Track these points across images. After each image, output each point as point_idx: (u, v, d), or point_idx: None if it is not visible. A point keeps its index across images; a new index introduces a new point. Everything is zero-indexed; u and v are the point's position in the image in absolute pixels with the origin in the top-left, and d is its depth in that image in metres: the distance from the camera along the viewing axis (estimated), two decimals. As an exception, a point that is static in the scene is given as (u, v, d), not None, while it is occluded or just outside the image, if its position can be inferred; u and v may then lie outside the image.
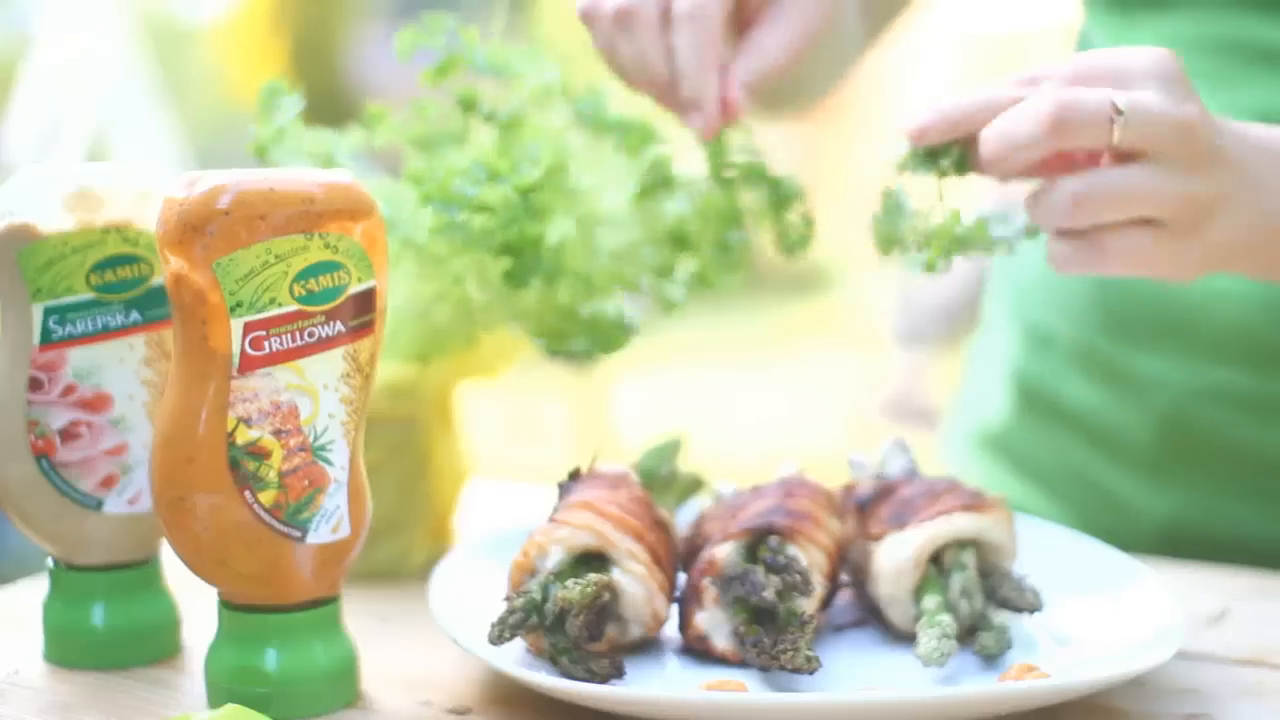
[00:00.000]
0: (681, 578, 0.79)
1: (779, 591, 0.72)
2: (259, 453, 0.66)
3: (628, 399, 4.14)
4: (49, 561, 0.77)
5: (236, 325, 0.65)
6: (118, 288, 0.74)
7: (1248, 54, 0.95)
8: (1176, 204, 0.73)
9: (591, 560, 0.73)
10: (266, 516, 0.67)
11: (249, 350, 0.66)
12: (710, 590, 0.74)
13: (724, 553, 0.74)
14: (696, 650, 0.74)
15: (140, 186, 0.75)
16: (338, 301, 0.67)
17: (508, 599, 0.71)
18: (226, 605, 0.69)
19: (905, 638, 0.76)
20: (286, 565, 0.67)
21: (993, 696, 0.65)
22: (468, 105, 0.88)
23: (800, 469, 0.84)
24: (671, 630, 0.76)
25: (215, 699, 0.69)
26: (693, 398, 4.67)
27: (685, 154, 0.90)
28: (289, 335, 0.66)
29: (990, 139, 0.75)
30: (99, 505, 0.75)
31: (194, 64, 5.63)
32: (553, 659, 0.70)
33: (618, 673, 0.70)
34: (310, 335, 0.66)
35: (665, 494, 0.86)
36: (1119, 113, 0.72)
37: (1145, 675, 0.72)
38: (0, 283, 0.73)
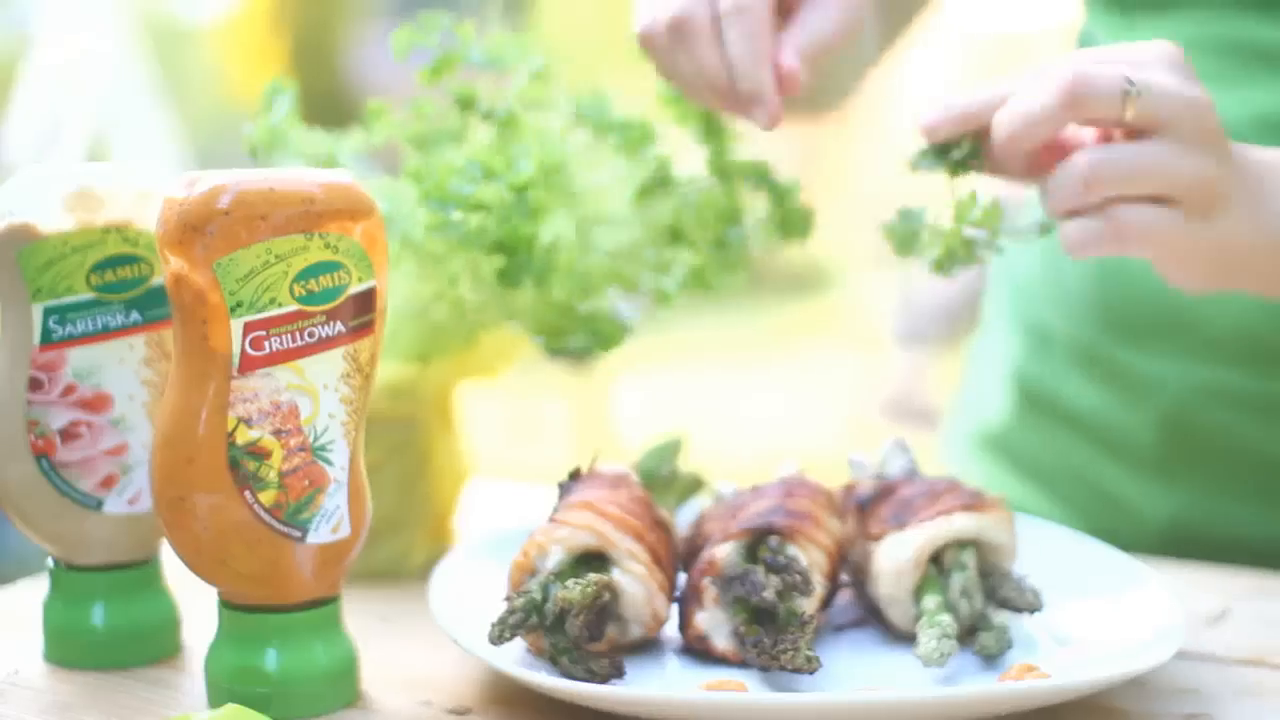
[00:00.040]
0: (681, 578, 0.79)
1: (779, 591, 0.72)
2: (259, 453, 0.66)
3: (628, 399, 4.14)
4: (49, 561, 0.77)
5: (236, 325, 0.65)
6: (118, 288, 0.74)
7: (1248, 55, 0.95)
8: (1189, 181, 0.73)
9: (591, 560, 0.73)
10: (266, 516, 0.67)
11: (249, 350, 0.66)
12: (710, 590, 0.74)
13: (724, 553, 0.74)
14: (696, 650, 0.74)
15: (140, 186, 0.75)
16: (338, 301, 0.67)
17: (508, 599, 0.71)
18: (226, 605, 0.69)
19: (905, 638, 0.76)
20: (286, 565, 0.67)
21: (993, 696, 0.65)
22: (465, 103, 0.88)
23: (800, 469, 0.84)
24: (671, 630, 0.76)
25: (215, 699, 0.69)
26: (693, 398, 4.67)
27: (685, 154, 0.90)
28: (289, 335, 0.66)
29: (1004, 117, 0.76)
30: (99, 505, 0.75)
31: (194, 64, 5.63)
32: (553, 659, 0.70)
33: (618, 673, 0.70)
34: (310, 335, 0.66)
35: (665, 494, 0.86)
36: (1132, 86, 0.73)
37: (1145, 675, 0.72)
38: (0, 283, 0.73)
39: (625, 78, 0.94)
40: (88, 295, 0.74)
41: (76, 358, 0.74)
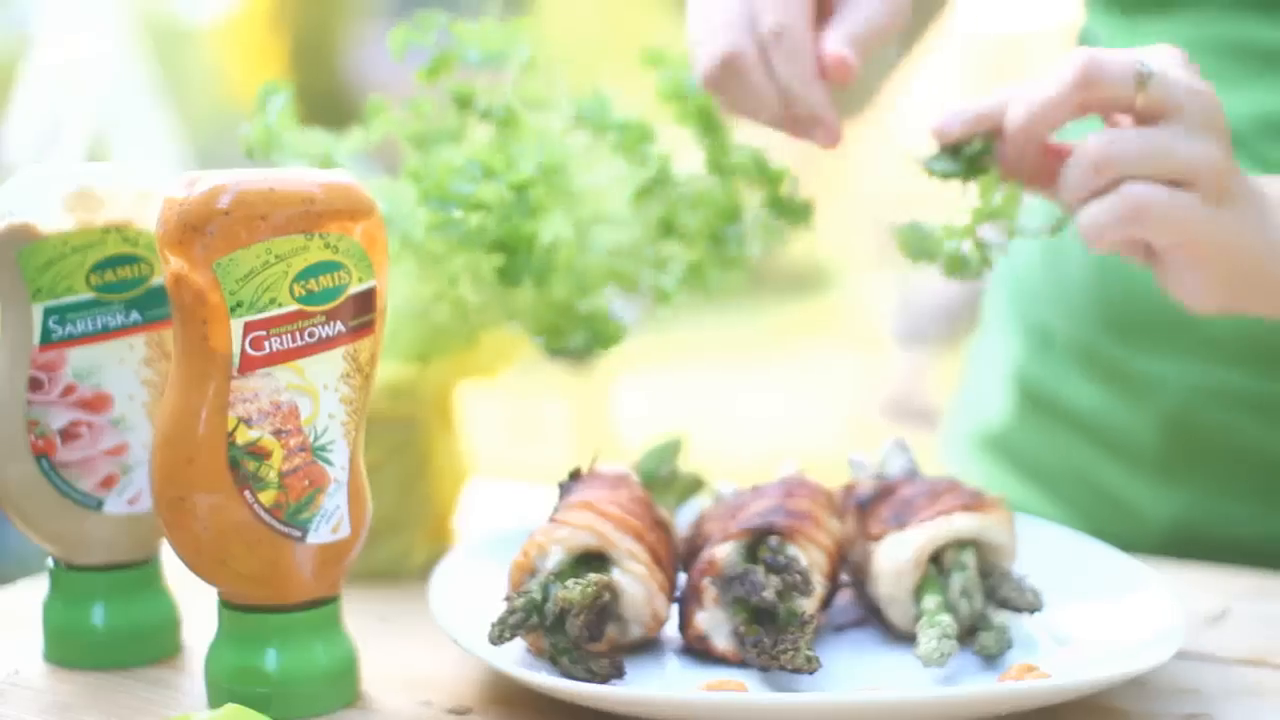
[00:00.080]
0: (681, 578, 0.79)
1: (779, 591, 0.72)
2: (259, 453, 0.66)
3: (628, 399, 4.14)
4: (49, 561, 0.77)
5: (236, 325, 0.65)
6: (118, 288, 0.74)
7: (1249, 55, 0.95)
8: (1200, 164, 0.74)
9: (591, 560, 0.73)
10: (266, 516, 0.67)
11: (249, 350, 0.66)
12: (710, 590, 0.74)
13: (724, 553, 0.74)
14: (696, 650, 0.74)
15: (140, 186, 0.75)
16: (338, 301, 0.67)
17: (508, 599, 0.71)
18: (226, 605, 0.69)
19: (905, 638, 0.76)
20: (286, 565, 0.67)
21: (993, 696, 0.65)
22: (463, 102, 0.88)
23: (800, 469, 0.84)
24: (671, 630, 0.76)
25: (215, 699, 0.69)
26: (693, 398, 4.68)
27: (684, 153, 0.90)
28: (289, 335, 0.66)
29: (1018, 106, 0.76)
30: (99, 505, 0.75)
31: (194, 64, 5.64)
32: (553, 659, 0.70)
33: (618, 673, 0.70)
34: (310, 335, 0.66)
35: (665, 494, 0.86)
36: (1144, 67, 0.74)
37: (1145, 675, 0.72)
38: (0, 283, 0.73)
39: (624, 77, 0.94)
40: (88, 295, 0.74)
41: (76, 358, 0.74)
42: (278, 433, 0.66)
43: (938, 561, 0.77)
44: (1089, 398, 1.04)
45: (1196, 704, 0.70)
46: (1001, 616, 0.75)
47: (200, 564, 0.68)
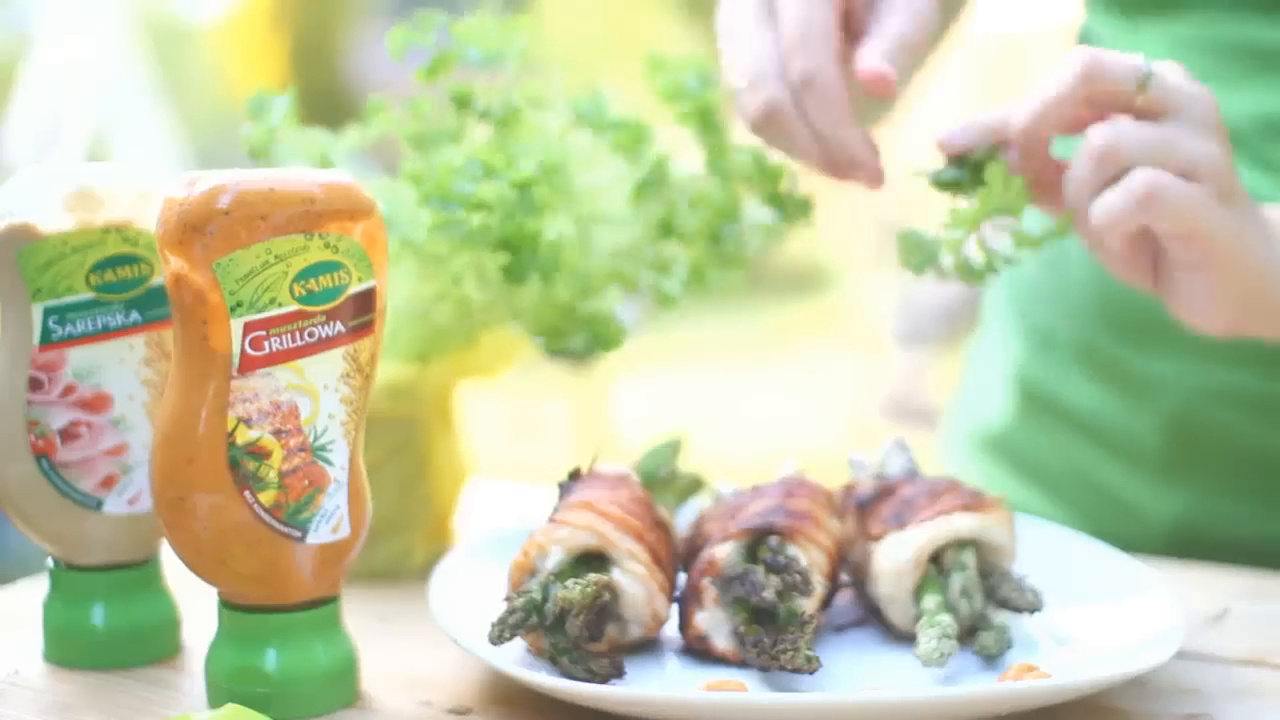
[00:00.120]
0: (681, 578, 0.79)
1: (779, 591, 0.72)
2: (259, 453, 0.66)
3: (628, 399, 4.14)
4: (49, 561, 0.77)
5: (236, 325, 0.65)
6: (118, 288, 0.74)
7: (1250, 56, 0.95)
8: (1205, 160, 0.74)
9: (591, 560, 0.73)
10: (266, 516, 0.67)
11: (249, 350, 0.66)
12: (710, 590, 0.74)
13: (724, 553, 0.74)
14: (696, 650, 0.74)
15: (140, 186, 0.75)
16: (338, 301, 0.67)
17: (508, 599, 0.71)
18: (226, 605, 0.69)
19: (905, 638, 0.76)
20: (286, 565, 0.67)
21: (993, 696, 0.65)
22: (461, 102, 0.88)
23: (800, 469, 0.84)
24: (671, 630, 0.76)
25: (215, 699, 0.69)
26: (693, 398, 4.68)
27: (683, 152, 0.90)
28: (289, 335, 0.66)
29: (1024, 104, 0.77)
30: (99, 505, 0.75)
31: (194, 64, 5.64)
32: (553, 659, 0.70)
33: (618, 673, 0.70)
34: (310, 335, 0.66)
35: (665, 494, 0.86)
36: (1145, 67, 0.75)
37: (1145, 675, 0.72)
38: (0, 283, 0.73)
39: (624, 77, 0.94)
40: (88, 295, 0.74)
41: (76, 358, 0.74)
42: (278, 433, 0.66)
43: (938, 561, 0.77)
44: (1090, 398, 1.04)
45: (1196, 704, 0.70)
46: (1001, 616, 0.75)
47: (200, 564, 0.68)
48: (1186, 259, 0.76)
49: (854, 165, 0.81)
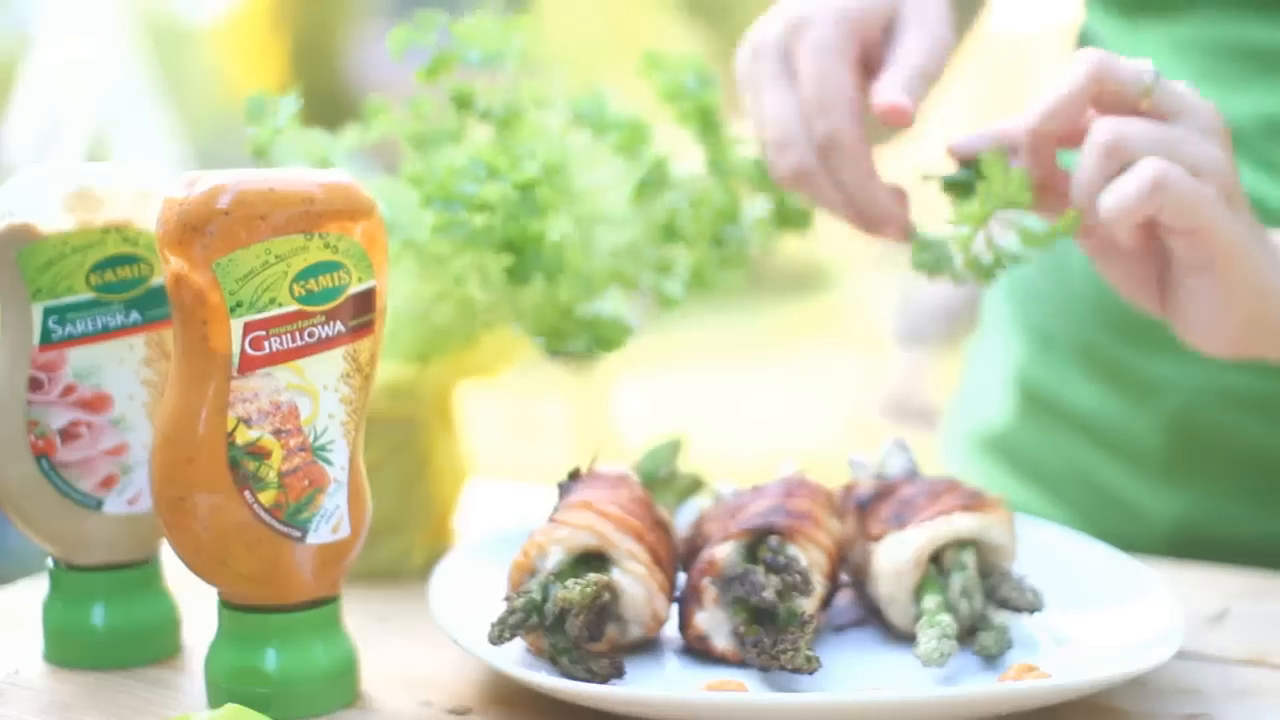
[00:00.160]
0: (681, 578, 0.79)
1: (779, 591, 0.72)
2: (259, 453, 0.66)
3: (628, 399, 4.14)
4: (49, 561, 0.77)
5: (236, 325, 0.65)
6: (118, 288, 0.74)
7: (1250, 56, 0.95)
8: (1210, 161, 0.74)
9: (591, 560, 0.73)
10: (266, 516, 0.67)
11: (249, 350, 0.66)
12: (710, 590, 0.74)
13: (724, 553, 0.74)
14: (696, 650, 0.74)
15: (140, 186, 0.75)
16: (338, 301, 0.67)
17: (508, 599, 0.71)
18: (226, 605, 0.69)
19: (905, 638, 0.76)
20: (286, 565, 0.67)
21: (993, 696, 0.65)
22: (462, 102, 0.88)
23: (800, 469, 0.84)
24: (671, 630, 0.76)
25: (215, 699, 0.69)
26: (693, 398, 4.68)
27: (684, 153, 0.90)
28: (289, 335, 0.66)
29: (1034, 106, 0.77)
30: (99, 505, 0.75)
31: (194, 64, 5.64)
32: (553, 659, 0.70)
33: (618, 673, 0.70)
34: (310, 335, 0.66)
35: (665, 494, 0.86)
36: (1151, 72, 0.75)
37: (1145, 675, 0.72)
38: (0, 283, 0.73)
39: (624, 77, 0.94)
40: (88, 295, 0.74)
41: (76, 358, 0.74)
42: (277, 433, 0.66)
43: (938, 561, 0.77)
44: (1091, 399, 1.04)
45: (1196, 704, 0.70)
46: (1001, 616, 0.75)
47: (200, 564, 0.68)
48: (1192, 259, 0.76)
49: (882, 220, 0.83)
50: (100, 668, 0.75)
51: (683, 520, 0.86)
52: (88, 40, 3.91)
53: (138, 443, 0.75)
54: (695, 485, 0.89)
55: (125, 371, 0.75)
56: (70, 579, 0.76)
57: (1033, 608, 0.75)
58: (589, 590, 0.69)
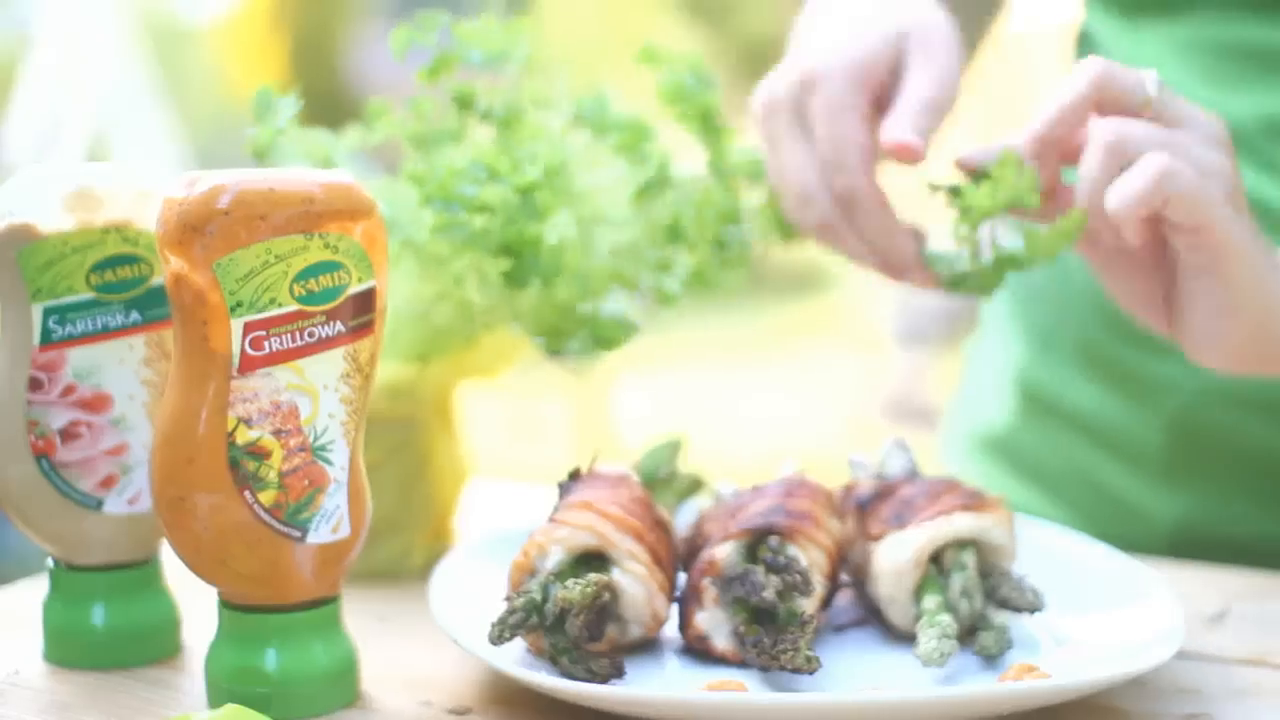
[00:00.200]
0: (681, 578, 0.79)
1: (779, 591, 0.72)
2: (259, 453, 0.66)
3: (628, 399, 4.14)
4: (49, 561, 0.77)
5: (236, 325, 0.65)
6: (118, 288, 0.74)
7: (1250, 57, 0.95)
8: (1213, 166, 0.74)
9: (591, 560, 0.73)
10: (266, 516, 0.67)
11: (249, 350, 0.66)
12: (710, 590, 0.74)
13: (724, 553, 0.74)
14: (696, 650, 0.74)
15: (140, 186, 0.75)
16: (338, 301, 0.67)
17: (508, 599, 0.71)
18: (226, 605, 0.69)
19: (905, 638, 0.76)
20: (286, 565, 0.67)
21: (993, 696, 0.65)
22: (463, 103, 0.88)
23: (800, 469, 0.84)
24: (671, 630, 0.76)
25: (215, 699, 0.69)
26: (693, 398, 4.68)
27: (685, 153, 0.90)
28: (289, 335, 0.66)
29: (1037, 116, 0.78)
30: (99, 505, 0.75)
31: (194, 64, 5.64)
32: (553, 659, 0.70)
33: (618, 673, 0.70)
34: (310, 335, 0.66)
35: (665, 494, 0.86)
36: (1154, 82, 0.76)
37: (1145, 675, 0.72)
38: (0, 283, 0.73)
39: (625, 77, 0.94)
40: (88, 295, 0.74)
41: (76, 358, 0.74)
42: (278, 433, 0.66)
43: (938, 561, 0.77)
44: (1092, 399, 1.04)
45: (1196, 704, 0.70)
46: (1001, 616, 0.75)
47: (200, 564, 0.68)
48: (1195, 260, 0.76)
49: (906, 268, 0.84)
50: (100, 668, 0.75)
51: (683, 520, 0.86)
52: (88, 40, 3.91)
53: (138, 443, 0.75)
54: (695, 485, 0.89)
55: (125, 371, 0.75)
56: (70, 579, 0.76)
57: (1033, 608, 0.75)
58: (589, 590, 0.69)
